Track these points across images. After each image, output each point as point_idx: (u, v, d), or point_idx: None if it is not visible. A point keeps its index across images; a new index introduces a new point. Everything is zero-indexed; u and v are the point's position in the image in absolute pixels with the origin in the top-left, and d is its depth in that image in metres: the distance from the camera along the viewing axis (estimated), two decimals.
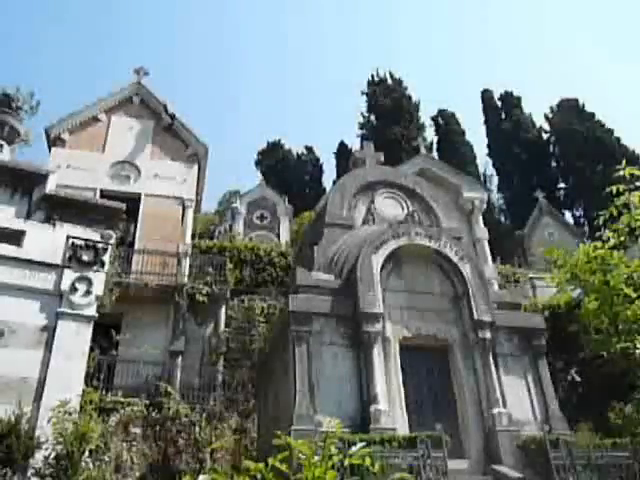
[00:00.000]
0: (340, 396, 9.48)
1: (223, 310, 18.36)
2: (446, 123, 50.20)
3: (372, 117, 50.37)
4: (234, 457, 14.40)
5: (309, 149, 57.02)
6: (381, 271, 10.53)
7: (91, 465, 7.48)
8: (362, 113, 51.42)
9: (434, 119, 51.29)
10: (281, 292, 19.89)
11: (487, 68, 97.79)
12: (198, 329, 18.03)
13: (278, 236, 37.01)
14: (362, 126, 50.96)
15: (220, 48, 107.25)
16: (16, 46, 79.96)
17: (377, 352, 9.76)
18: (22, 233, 9.64)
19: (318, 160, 56.26)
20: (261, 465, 2.39)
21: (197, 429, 14.40)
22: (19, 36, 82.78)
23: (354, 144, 48.60)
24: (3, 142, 10.43)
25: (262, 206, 39.60)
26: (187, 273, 18.11)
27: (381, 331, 9.99)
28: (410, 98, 50.19)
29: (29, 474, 7.09)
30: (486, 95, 52.79)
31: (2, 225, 9.57)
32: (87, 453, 7.34)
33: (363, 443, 2.64)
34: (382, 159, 14.55)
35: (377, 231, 11.28)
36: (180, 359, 16.75)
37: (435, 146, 49.28)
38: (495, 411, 9.71)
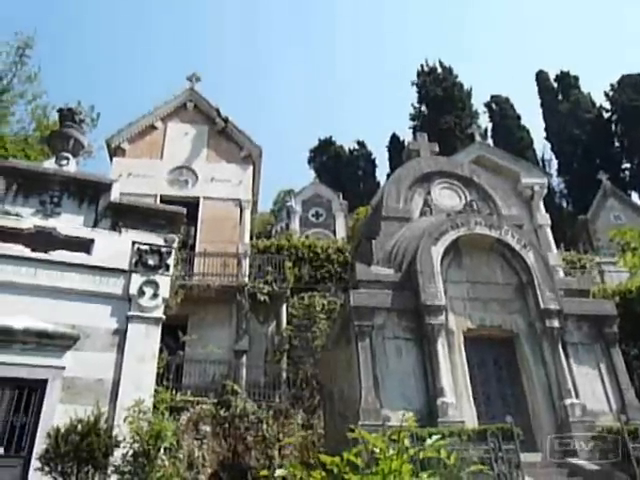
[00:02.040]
0: (405, 390, 9.41)
1: (284, 308, 18.57)
2: (500, 109, 48.94)
3: (423, 107, 49.69)
4: (302, 453, 14.55)
5: (361, 144, 56.83)
6: (441, 263, 10.39)
7: (166, 462, 7.73)
8: (413, 104, 50.86)
9: (487, 105, 50.11)
10: (340, 288, 19.94)
11: (540, 49, 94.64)
12: (261, 327, 18.32)
13: (334, 232, 37.10)
14: (414, 117, 50.35)
15: (266, 49, 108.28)
16: (71, 61, 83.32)
17: (441, 345, 9.64)
18: (91, 241, 10.07)
19: (370, 155, 56.02)
20: (337, 459, 2.40)
21: (265, 426, 14.63)
22: (73, 51, 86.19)
23: (406, 136, 48.10)
24: (69, 155, 10.88)
25: (317, 203, 39.79)
26: (247, 273, 18.41)
27: (444, 323, 9.86)
28: (461, 86, 49.21)
29: (109, 471, 7.40)
30: (541, 77, 51.09)
31: (72, 234, 10.03)
32: (162, 451, 7.59)
33: (438, 435, 2.62)
34: (437, 149, 14.34)
35: (435, 222, 11.13)
36: (245, 358, 17.06)
37: (490, 133, 48.15)
38: (567, 402, 9.41)
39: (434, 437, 2.52)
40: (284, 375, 17.10)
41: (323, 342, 15.86)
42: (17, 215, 9.97)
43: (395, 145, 49.72)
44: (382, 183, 47.78)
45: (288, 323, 18.52)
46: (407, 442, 2.45)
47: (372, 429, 7.90)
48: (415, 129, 45.70)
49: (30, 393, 8.78)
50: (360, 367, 9.41)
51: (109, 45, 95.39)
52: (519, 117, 48.17)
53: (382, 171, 57.66)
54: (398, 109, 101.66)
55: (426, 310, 9.79)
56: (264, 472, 2.68)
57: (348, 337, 10.25)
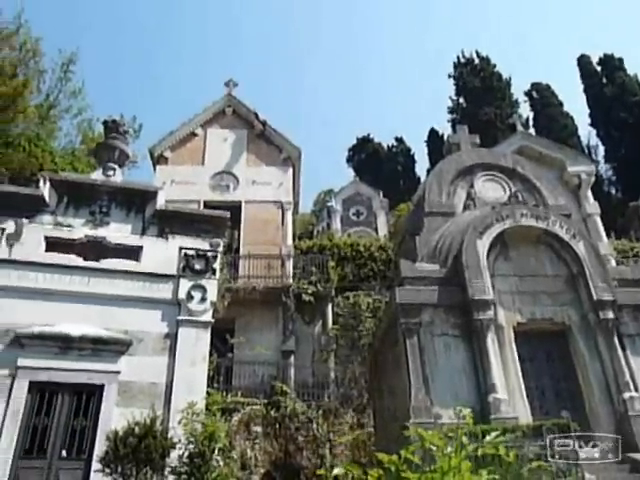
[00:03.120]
0: (456, 387, 9.30)
1: (329, 308, 18.61)
2: (541, 96, 47.67)
3: (461, 100, 48.94)
4: (353, 452, 14.55)
5: (399, 140, 56.42)
6: (487, 256, 10.22)
7: (221, 463, 7.86)
8: (451, 97, 50.16)
9: (528, 94, 48.89)
10: (385, 286, 19.84)
11: (581, 33, 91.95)
12: (307, 328, 18.41)
13: (376, 230, 36.95)
14: (452, 110, 49.64)
15: (303, 49, 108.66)
16: (108, 73, 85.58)
17: (491, 340, 9.48)
18: (140, 248, 10.35)
19: (409, 150, 55.53)
20: (394, 457, 2.40)
21: (315, 426, 14.69)
22: (110, 64, 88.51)
23: (445, 130, 47.49)
24: (115, 165, 11.19)
25: (357, 202, 39.72)
26: (291, 274, 18.54)
27: (493, 318, 9.69)
28: (500, 75, 48.23)
29: (166, 472, 7.57)
30: (583, 61, 49.52)
31: (122, 242, 10.33)
32: (216, 451, 7.72)
33: (497, 432, 2.59)
34: (477, 141, 14.10)
35: (480, 216, 10.95)
36: (292, 358, 17.18)
37: (531, 122, 46.96)
38: (626, 396, 9.11)
39: (493, 433, 2.49)
40: (332, 375, 17.13)
41: (370, 341, 15.81)
42: (69, 226, 10.33)
43: (434, 140, 49.12)
44: (422, 179, 47.36)
45: (334, 323, 18.55)
46: (465, 439, 2.43)
47: (423, 427, 7.85)
48: (454, 122, 45.04)
49: (88, 398, 9.10)
50: (409, 365, 9.35)
51: (145, 55, 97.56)
52: (562, 104, 46.84)
53: (422, 167, 57.17)
54: (436, 103, 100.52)
55: (474, 305, 9.66)
56: (321, 471, 2.70)
57: (395, 335, 10.19)
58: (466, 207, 12.01)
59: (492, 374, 9.14)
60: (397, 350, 10.07)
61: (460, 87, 49.01)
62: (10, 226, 9.98)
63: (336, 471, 2.54)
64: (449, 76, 50.45)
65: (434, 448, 2.48)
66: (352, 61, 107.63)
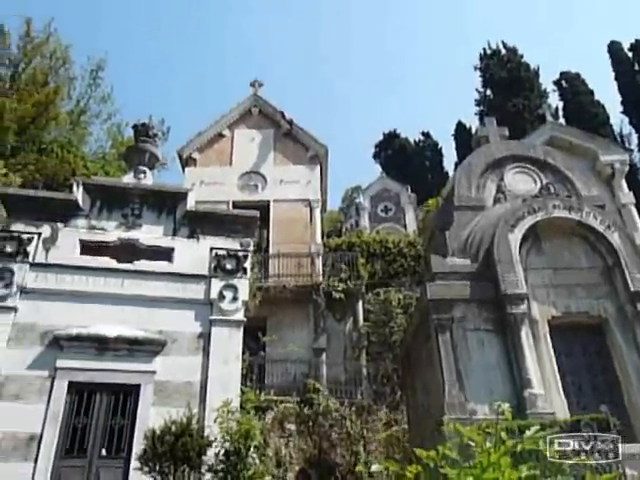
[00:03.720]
0: (490, 382, 9.18)
1: (360, 305, 18.61)
2: (571, 85, 46.65)
3: (488, 92, 48.23)
4: (387, 449, 14.53)
5: (426, 134, 55.96)
6: (520, 250, 10.06)
7: (257, 460, 7.93)
8: (477, 89, 49.48)
9: (557, 83, 47.90)
10: (415, 282, 19.76)
11: (610, 19, 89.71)
12: (338, 325, 18.44)
13: (404, 226, 36.77)
14: (479, 103, 48.99)
15: (327, 47, 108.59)
16: (133, 77, 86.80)
17: (525, 335, 9.34)
18: (171, 249, 10.50)
19: (437, 145, 55.03)
20: (432, 453, 2.39)
21: (348, 423, 14.72)
22: (133, 67, 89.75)
23: (472, 123, 46.92)
24: (145, 168, 11.37)
25: (385, 198, 39.58)
26: (321, 272, 18.59)
27: (527, 312, 9.55)
28: (527, 66, 47.35)
29: (203, 470, 7.67)
30: (614, 47, 48.30)
31: (154, 244, 10.49)
32: (252, 449, 7.78)
33: (537, 427, 2.55)
34: (506, 133, 13.86)
35: (511, 209, 10.79)
36: (324, 356, 17.24)
37: (561, 112, 46.03)
38: None
39: (533, 428, 2.46)
40: (364, 371, 17.13)
41: (401, 337, 15.75)
42: (103, 229, 10.55)
43: (461, 133, 48.56)
44: (450, 173, 46.89)
45: (365, 320, 18.54)
46: (504, 434, 2.41)
47: (459, 423, 7.79)
48: (481, 115, 44.47)
49: (125, 397, 9.28)
50: (442, 361, 9.27)
51: (169, 58, 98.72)
52: (592, 92, 45.76)
53: (449, 161, 56.49)
54: (462, 96, 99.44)
55: (507, 300, 9.52)
56: (359, 467, 2.71)
57: (427, 331, 10.12)
58: (496, 200, 11.83)
59: (527, 369, 9.01)
60: (429, 346, 10.01)
61: (487, 79, 48.34)
62: (46, 231, 10.24)
63: (374, 467, 2.55)
64: (475, 68, 49.80)
65: (472, 444, 2.46)
66: (378, 57, 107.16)
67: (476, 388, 9.04)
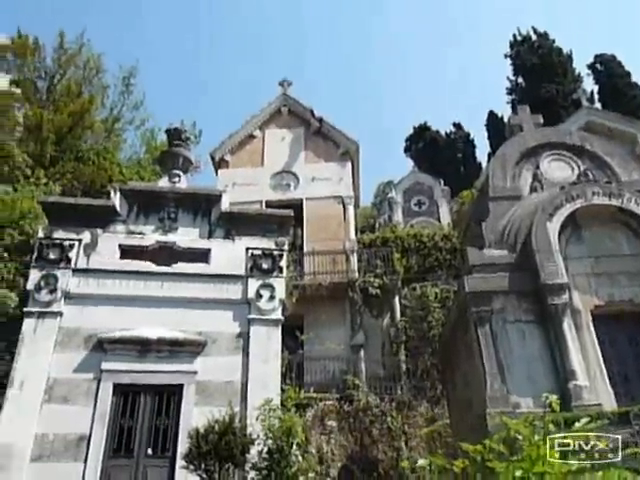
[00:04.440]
0: (533, 374, 9.03)
1: (396, 300, 18.52)
2: (606, 68, 45.37)
3: (520, 79, 47.38)
4: (429, 444, 14.44)
5: (457, 126, 55.24)
6: (559, 239, 9.86)
7: (300, 457, 7.97)
8: (508, 77, 48.64)
9: (591, 67, 46.67)
10: (451, 275, 19.56)
11: None
12: (375, 321, 18.39)
13: (438, 220, 36.40)
14: (511, 91, 48.14)
15: (353, 41, 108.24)
16: (161, 80, 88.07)
17: (567, 325, 9.15)
18: (208, 251, 10.64)
19: (468, 136, 54.24)
20: (479, 446, 2.37)
21: (389, 419, 14.68)
22: (158, 71, 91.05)
23: (505, 112, 46.08)
24: (180, 172, 11.54)
25: (418, 192, 39.24)
26: (356, 268, 18.56)
27: (568, 302, 9.34)
28: (560, 50, 46.31)
29: (247, 468, 7.76)
30: None
31: (191, 246, 10.65)
32: (294, 446, 7.83)
33: (587, 419, 2.50)
34: (540, 121, 13.59)
35: (548, 197, 10.58)
36: (362, 352, 17.21)
37: (597, 96, 44.86)
38: None
39: (583, 420, 2.41)
40: (403, 367, 17.06)
41: (440, 331, 15.62)
42: (140, 233, 10.75)
43: (493, 122, 47.78)
44: (483, 164, 46.20)
45: (402, 315, 18.44)
46: (552, 427, 2.37)
47: (502, 417, 7.68)
48: (514, 103, 43.69)
49: (169, 398, 9.45)
50: (482, 354, 9.15)
51: (197, 62, 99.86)
52: (629, 74, 44.44)
53: (482, 152, 55.77)
54: (493, 85, 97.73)
55: (547, 290, 9.34)
56: (404, 463, 2.70)
57: (466, 324, 10.01)
58: (533, 189, 11.62)
59: (571, 360, 8.83)
60: (469, 339, 9.90)
61: (518, 66, 47.44)
62: (86, 237, 10.50)
63: (420, 462, 2.53)
64: (505, 56, 48.93)
65: (520, 437, 2.43)
66: (405, 50, 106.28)
67: (518, 381, 8.91)
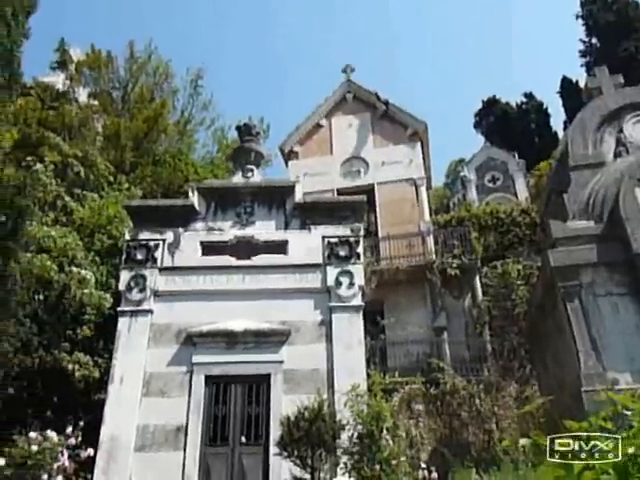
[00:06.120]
0: (630, 349, 8.59)
1: (477, 280, 18.12)
2: None
3: (594, 40, 44.81)
4: (520, 425, 14.07)
5: (529, 96, 52.97)
6: None
7: (390, 442, 8.00)
8: (581, 39, 46.09)
9: None
10: (533, 250, 18.88)
11: None
12: (456, 303, 18.09)
13: (515, 194, 35.25)
14: (584, 53, 45.61)
15: (418, 23, 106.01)
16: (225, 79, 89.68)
17: None
18: (285, 242, 10.82)
19: (541, 105, 51.91)
20: (585, 424, 2.29)
21: (477, 401, 14.42)
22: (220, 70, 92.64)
23: (580, 76, 43.76)
24: (253, 167, 11.77)
25: (491, 167, 38.13)
26: (433, 250, 18.30)
27: None
28: (637, 4, 43.38)
29: (339, 453, 7.87)
30: None
31: (269, 238, 10.87)
32: (384, 431, 7.87)
33: None
34: (621, 81, 12.82)
35: (635, 161, 10.00)
36: (445, 334, 16.99)
37: None
38: None
39: None
40: (489, 347, 16.68)
41: (525, 309, 15.14)
42: (220, 229, 11.08)
43: (567, 88, 45.46)
44: (559, 133, 44.15)
45: (484, 294, 18.02)
46: None
47: (598, 395, 7.36)
48: (588, 66, 41.43)
49: (258, 387, 9.73)
50: (573, 331, 8.80)
51: (256, 56, 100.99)
52: None
53: (557, 120, 53.36)
54: (563, 49, 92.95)
55: None
56: (507, 442, 2.64)
57: (553, 300, 9.65)
58: (617, 155, 10.99)
59: None
60: (557, 316, 9.54)
61: (591, 26, 44.85)
62: (169, 236, 10.94)
63: (522, 441, 2.48)
64: (577, 16, 46.38)
65: (628, 413, 2.33)
66: (468, 22, 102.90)
67: (614, 357, 8.51)
